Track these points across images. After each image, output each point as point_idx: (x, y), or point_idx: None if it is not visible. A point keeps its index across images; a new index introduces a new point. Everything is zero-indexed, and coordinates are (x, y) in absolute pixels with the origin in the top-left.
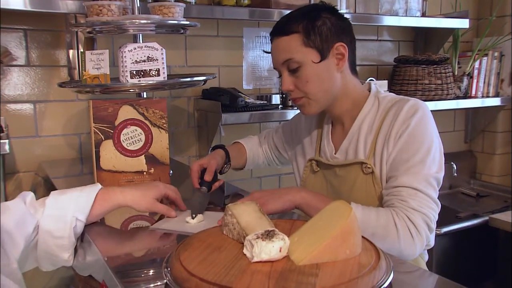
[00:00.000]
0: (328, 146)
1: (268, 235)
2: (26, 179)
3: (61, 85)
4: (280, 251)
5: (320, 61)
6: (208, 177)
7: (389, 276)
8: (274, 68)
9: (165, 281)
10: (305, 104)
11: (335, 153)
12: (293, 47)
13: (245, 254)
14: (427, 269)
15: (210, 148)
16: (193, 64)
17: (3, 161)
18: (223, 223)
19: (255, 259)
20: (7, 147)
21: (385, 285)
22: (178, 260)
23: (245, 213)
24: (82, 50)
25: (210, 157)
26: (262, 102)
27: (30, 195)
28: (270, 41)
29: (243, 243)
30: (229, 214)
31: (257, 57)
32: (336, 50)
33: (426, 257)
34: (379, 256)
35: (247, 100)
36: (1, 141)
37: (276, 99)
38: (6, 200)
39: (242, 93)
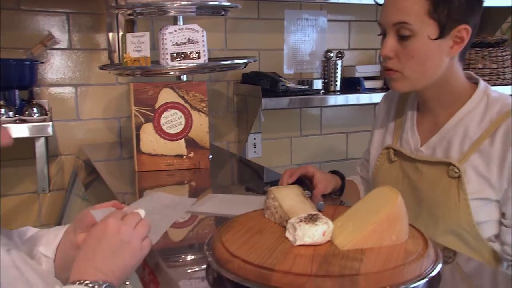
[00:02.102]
0: (413, 137)
1: (311, 219)
2: (68, 162)
3: (102, 67)
4: (323, 235)
5: (436, 38)
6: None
7: (438, 265)
8: (379, 23)
9: (203, 266)
10: (398, 79)
11: (420, 146)
12: (415, 12)
13: (287, 238)
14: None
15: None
16: (233, 48)
17: (47, 144)
18: (264, 206)
19: (298, 243)
20: (50, 129)
21: (433, 273)
22: (220, 241)
23: (287, 197)
24: (122, 33)
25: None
26: (303, 87)
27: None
28: None
29: (285, 227)
30: (271, 198)
31: (298, 40)
32: (457, 33)
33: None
34: (427, 244)
35: (288, 85)
36: (45, 123)
37: (317, 84)
38: (49, 181)
39: (283, 78)
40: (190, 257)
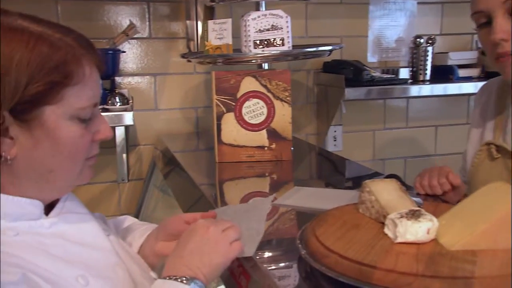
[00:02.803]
0: None
1: (413, 215)
2: (146, 152)
3: (184, 56)
4: (427, 232)
5: None
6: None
7: None
8: (474, 13)
9: (294, 259)
10: None
11: None
12: None
13: (386, 234)
14: None
15: None
16: (314, 35)
17: (126, 134)
18: (359, 200)
19: (399, 240)
20: (131, 119)
21: None
22: (314, 235)
23: (384, 191)
24: (203, 21)
25: None
26: (389, 76)
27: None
28: None
29: (382, 222)
30: (367, 191)
31: (384, 26)
32: None
33: None
34: None
35: (373, 74)
36: (126, 113)
37: (404, 73)
38: (128, 170)
39: (367, 66)
40: (279, 250)
